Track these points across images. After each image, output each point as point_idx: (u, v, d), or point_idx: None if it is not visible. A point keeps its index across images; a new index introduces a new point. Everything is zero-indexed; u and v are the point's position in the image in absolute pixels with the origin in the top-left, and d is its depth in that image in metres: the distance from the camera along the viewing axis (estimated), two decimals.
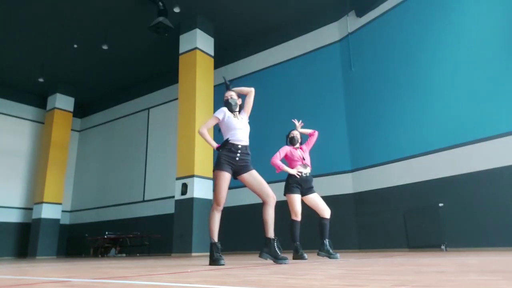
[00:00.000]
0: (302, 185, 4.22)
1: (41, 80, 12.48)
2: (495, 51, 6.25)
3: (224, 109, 3.57)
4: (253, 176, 3.42)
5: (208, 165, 9.08)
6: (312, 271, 2.19)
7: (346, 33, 8.98)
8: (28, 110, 14.31)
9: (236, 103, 3.57)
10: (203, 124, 3.59)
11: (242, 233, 9.03)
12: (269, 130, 9.46)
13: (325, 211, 4.21)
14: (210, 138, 3.50)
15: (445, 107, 6.76)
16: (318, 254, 4.17)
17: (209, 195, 8.97)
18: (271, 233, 3.28)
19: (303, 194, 4.25)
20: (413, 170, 7.02)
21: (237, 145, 3.38)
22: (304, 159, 4.31)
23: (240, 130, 3.43)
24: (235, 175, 3.42)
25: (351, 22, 8.92)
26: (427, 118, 7.01)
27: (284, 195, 4.28)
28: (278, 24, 10.18)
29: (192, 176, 8.72)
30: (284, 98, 9.76)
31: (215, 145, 3.46)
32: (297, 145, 4.44)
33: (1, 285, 1.86)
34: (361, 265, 2.76)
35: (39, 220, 12.40)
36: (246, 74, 10.83)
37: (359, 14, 8.67)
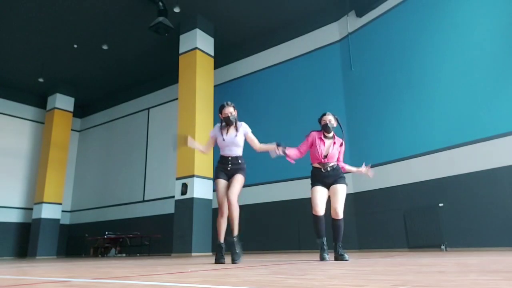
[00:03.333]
0: (325, 180, 3.81)
1: (41, 80, 12.48)
2: (495, 51, 6.25)
3: (216, 126, 3.97)
4: (233, 178, 3.74)
5: (208, 165, 9.07)
6: (312, 271, 2.19)
7: (346, 33, 8.98)
8: (28, 110, 14.31)
9: (234, 119, 3.82)
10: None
11: (242, 233, 9.02)
12: (269, 130, 9.46)
13: (333, 212, 3.76)
14: (198, 145, 3.97)
15: (445, 107, 6.76)
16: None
17: (209, 195, 8.96)
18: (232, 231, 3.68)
19: (330, 185, 3.82)
20: (413, 170, 7.02)
21: (227, 157, 3.79)
22: (326, 157, 3.80)
23: (226, 147, 3.79)
24: (230, 179, 3.80)
25: (351, 22, 8.92)
26: (427, 118, 7.01)
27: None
28: (278, 24, 10.19)
29: (192, 176, 8.72)
30: (284, 98, 9.76)
31: (200, 147, 3.98)
32: (331, 134, 3.89)
33: (1, 285, 1.86)
34: (361, 265, 2.76)
35: (39, 220, 12.40)
36: (246, 74, 10.83)
37: (359, 14, 8.67)
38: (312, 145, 3.90)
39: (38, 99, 14.48)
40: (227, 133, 3.79)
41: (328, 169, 3.82)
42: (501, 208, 5.73)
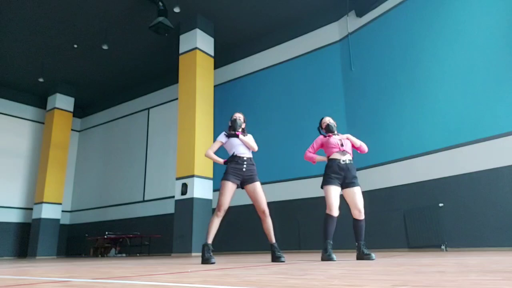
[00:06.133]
0: (342, 175, 3.72)
1: (41, 80, 12.48)
2: (495, 51, 6.25)
3: (224, 132, 3.95)
4: (254, 188, 3.74)
5: (208, 165, 9.07)
6: (312, 271, 2.19)
7: (346, 33, 8.98)
8: (28, 110, 14.32)
9: (241, 125, 3.91)
10: (208, 149, 3.90)
11: (242, 233, 9.03)
12: (269, 130, 9.47)
13: (356, 212, 3.75)
14: (216, 157, 3.86)
15: (445, 107, 6.76)
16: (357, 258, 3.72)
17: (209, 195, 8.96)
18: (270, 239, 3.75)
19: (344, 186, 3.76)
20: (413, 170, 7.02)
21: (242, 157, 3.76)
22: (343, 145, 3.82)
23: (241, 146, 3.81)
24: (243, 184, 3.78)
25: (351, 22, 8.92)
26: (427, 118, 7.01)
27: (321, 188, 3.82)
28: (278, 24, 10.19)
29: (192, 176, 8.72)
30: (284, 98, 9.76)
31: (222, 160, 3.82)
32: (335, 132, 3.98)
33: (1, 285, 1.86)
34: (361, 265, 2.76)
35: (39, 220, 12.40)
36: (246, 74, 10.84)
37: (359, 14, 8.67)
38: (322, 144, 3.95)
39: (38, 99, 14.48)
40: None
41: (347, 161, 3.78)
42: (501, 208, 5.73)
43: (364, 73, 8.40)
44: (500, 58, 6.16)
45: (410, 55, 7.51)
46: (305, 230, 8.28)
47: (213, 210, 9.89)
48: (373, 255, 3.63)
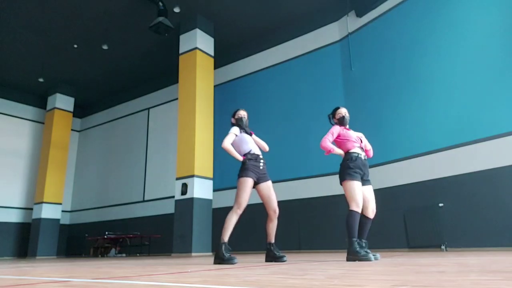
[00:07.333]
0: (363, 171, 3.65)
1: (41, 80, 12.48)
2: (495, 51, 6.25)
3: (237, 127, 3.92)
4: (268, 186, 3.73)
5: (208, 165, 9.07)
6: (312, 271, 2.19)
7: (346, 33, 8.98)
8: (28, 110, 14.32)
9: (246, 122, 3.97)
10: (225, 140, 3.75)
11: (241, 233, 9.01)
12: (269, 130, 9.46)
13: (370, 211, 3.76)
14: (234, 151, 3.77)
15: (445, 107, 6.76)
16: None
17: (209, 195, 8.96)
18: (270, 239, 3.73)
19: (362, 183, 3.66)
20: (413, 170, 7.02)
21: (258, 155, 3.78)
22: (362, 142, 3.80)
23: (253, 144, 3.84)
24: (257, 182, 3.71)
25: (351, 22, 8.92)
26: (427, 118, 7.01)
27: (341, 183, 3.63)
28: (278, 24, 10.19)
29: (192, 176, 8.72)
30: (284, 98, 9.76)
31: (240, 157, 3.75)
32: (347, 126, 3.93)
33: (1, 285, 1.86)
34: (361, 265, 2.76)
35: (39, 220, 12.40)
36: (246, 74, 10.83)
37: (359, 14, 8.67)
38: (339, 135, 3.83)
39: (38, 99, 14.48)
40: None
41: (366, 157, 3.79)
42: (501, 208, 5.73)
43: (364, 73, 8.40)
44: (500, 58, 6.16)
45: (410, 55, 7.51)
46: (305, 230, 8.27)
47: (214, 211, 9.90)
48: (378, 255, 3.60)
